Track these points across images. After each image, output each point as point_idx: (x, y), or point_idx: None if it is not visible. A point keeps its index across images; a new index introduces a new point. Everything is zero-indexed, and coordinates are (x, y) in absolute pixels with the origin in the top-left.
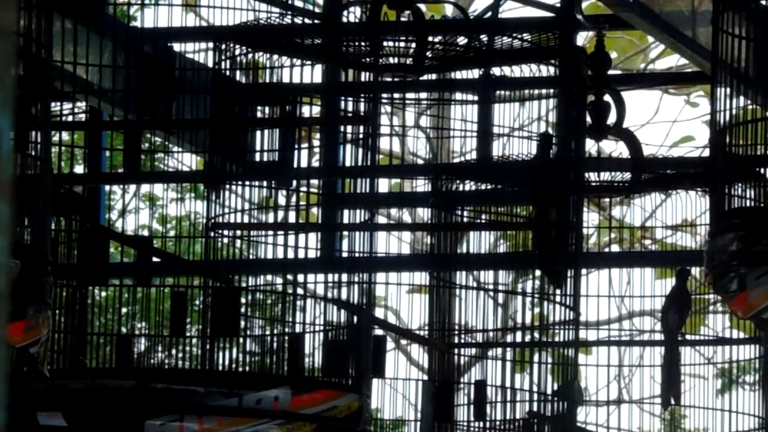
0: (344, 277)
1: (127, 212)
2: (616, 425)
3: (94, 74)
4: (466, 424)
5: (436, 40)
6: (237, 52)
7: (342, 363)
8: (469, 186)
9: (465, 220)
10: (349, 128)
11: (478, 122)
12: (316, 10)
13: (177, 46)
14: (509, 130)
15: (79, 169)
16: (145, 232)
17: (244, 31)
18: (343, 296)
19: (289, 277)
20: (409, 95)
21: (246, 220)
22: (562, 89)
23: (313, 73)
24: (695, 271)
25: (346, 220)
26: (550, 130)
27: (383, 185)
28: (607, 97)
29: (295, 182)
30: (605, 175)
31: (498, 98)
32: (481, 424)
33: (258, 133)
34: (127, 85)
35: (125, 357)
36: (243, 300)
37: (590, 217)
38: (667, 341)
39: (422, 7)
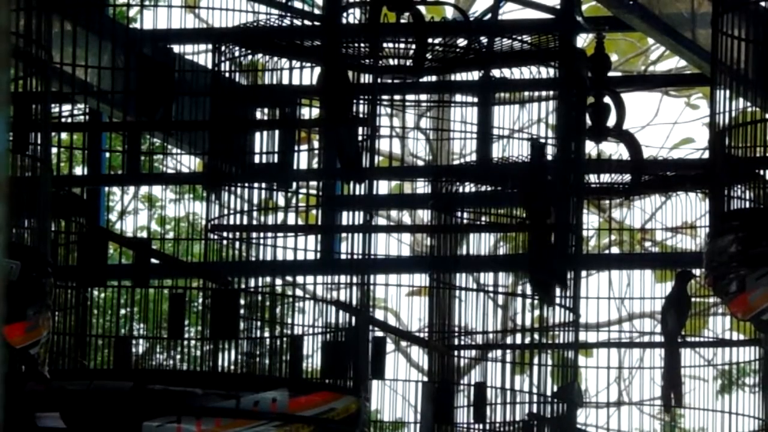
0: (343, 278)
1: (127, 213)
2: (616, 427)
3: (94, 76)
4: (465, 426)
5: (436, 41)
6: (236, 53)
7: (341, 365)
8: (469, 188)
9: (465, 221)
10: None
11: (478, 124)
12: (316, 11)
13: (176, 48)
14: (509, 132)
15: (78, 170)
16: (144, 234)
17: (243, 32)
18: (342, 298)
19: (289, 278)
20: (409, 97)
21: (245, 221)
22: (562, 91)
23: (312, 75)
24: (695, 273)
25: (345, 222)
26: (550, 132)
27: (383, 187)
28: (607, 99)
29: (294, 184)
30: (605, 177)
31: (498, 100)
32: (481, 426)
33: (257, 134)
34: (127, 87)
35: (124, 359)
36: (242, 302)
37: (590, 219)
38: (666, 344)
39: (422, 8)
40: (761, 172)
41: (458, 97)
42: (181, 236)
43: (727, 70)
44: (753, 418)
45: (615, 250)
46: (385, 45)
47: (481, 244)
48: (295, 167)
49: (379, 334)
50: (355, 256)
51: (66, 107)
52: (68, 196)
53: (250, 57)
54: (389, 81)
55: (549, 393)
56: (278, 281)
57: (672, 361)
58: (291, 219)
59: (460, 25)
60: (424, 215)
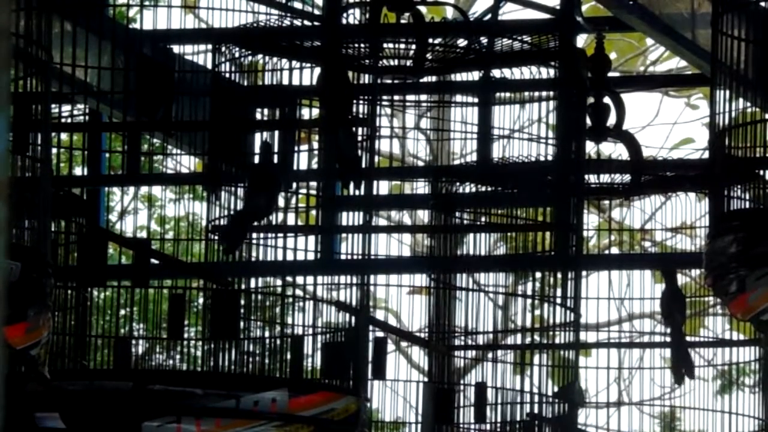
0: (343, 278)
1: (126, 213)
2: (616, 427)
3: (94, 76)
4: (466, 426)
5: (436, 42)
6: (236, 54)
7: (340, 365)
8: (468, 188)
9: (465, 222)
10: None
11: (478, 124)
12: (316, 11)
13: (176, 48)
14: (509, 132)
15: (78, 170)
16: (144, 234)
17: (243, 33)
18: (342, 298)
19: (288, 279)
20: (409, 97)
21: None
22: (561, 91)
23: (312, 76)
24: (695, 273)
25: (345, 222)
26: (550, 132)
27: (383, 187)
28: (606, 99)
29: (294, 184)
30: (605, 177)
31: (498, 100)
32: (482, 427)
33: (257, 135)
34: (127, 87)
35: (124, 359)
36: (242, 302)
37: (590, 219)
38: (675, 333)
39: (422, 9)
40: (761, 172)
41: (458, 98)
42: (181, 236)
43: (727, 70)
44: (753, 418)
45: (615, 250)
46: (385, 45)
47: (481, 244)
48: (295, 167)
49: (380, 334)
50: (355, 256)
51: (66, 107)
52: (68, 197)
53: (250, 57)
54: (389, 81)
55: (549, 393)
56: (278, 281)
57: (680, 340)
58: (291, 219)
59: (460, 25)
60: (424, 215)
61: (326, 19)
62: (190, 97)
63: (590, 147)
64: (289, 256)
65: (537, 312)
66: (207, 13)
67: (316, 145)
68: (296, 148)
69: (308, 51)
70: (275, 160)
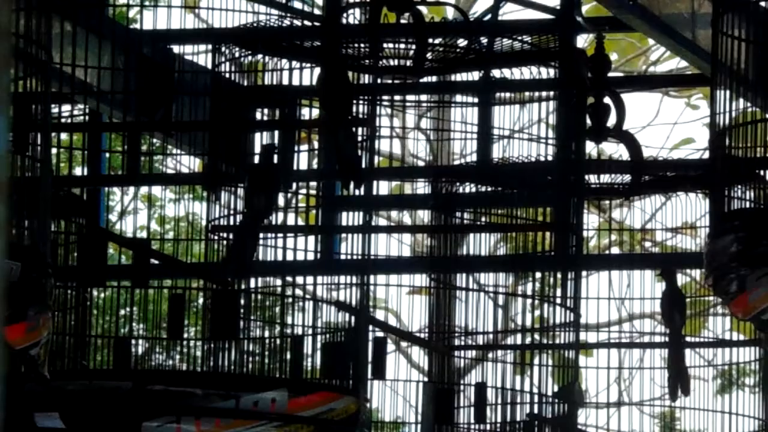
0: (343, 278)
1: (127, 213)
2: (616, 427)
3: (94, 76)
4: (466, 426)
5: (437, 42)
6: (236, 54)
7: (340, 365)
8: (468, 188)
9: (465, 222)
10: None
11: (478, 124)
12: (316, 12)
13: (176, 48)
14: (509, 133)
15: (78, 170)
16: (144, 234)
17: (243, 33)
18: (342, 298)
19: (288, 279)
20: (410, 97)
21: None
22: (562, 91)
23: (312, 76)
24: (695, 273)
25: (345, 222)
26: (550, 132)
27: (383, 187)
28: (607, 99)
29: (294, 184)
30: (605, 177)
31: (498, 100)
32: (482, 427)
33: (257, 135)
34: (127, 87)
35: (124, 359)
36: (242, 302)
37: (590, 220)
38: (673, 338)
39: (422, 9)
40: (761, 172)
41: (458, 98)
42: (181, 236)
43: (727, 70)
44: (753, 418)
45: (615, 250)
46: (385, 45)
47: (481, 244)
48: (295, 167)
49: (380, 334)
50: (355, 256)
51: (66, 107)
52: (68, 197)
53: (250, 57)
54: (389, 81)
55: (549, 393)
56: (278, 281)
57: (678, 353)
58: (291, 219)
59: (461, 25)
60: (424, 215)
61: (326, 19)
62: (190, 97)
63: (590, 147)
64: (289, 256)
65: (537, 312)
66: (207, 13)
67: (316, 145)
68: (296, 148)
69: (308, 51)
70: (275, 160)
